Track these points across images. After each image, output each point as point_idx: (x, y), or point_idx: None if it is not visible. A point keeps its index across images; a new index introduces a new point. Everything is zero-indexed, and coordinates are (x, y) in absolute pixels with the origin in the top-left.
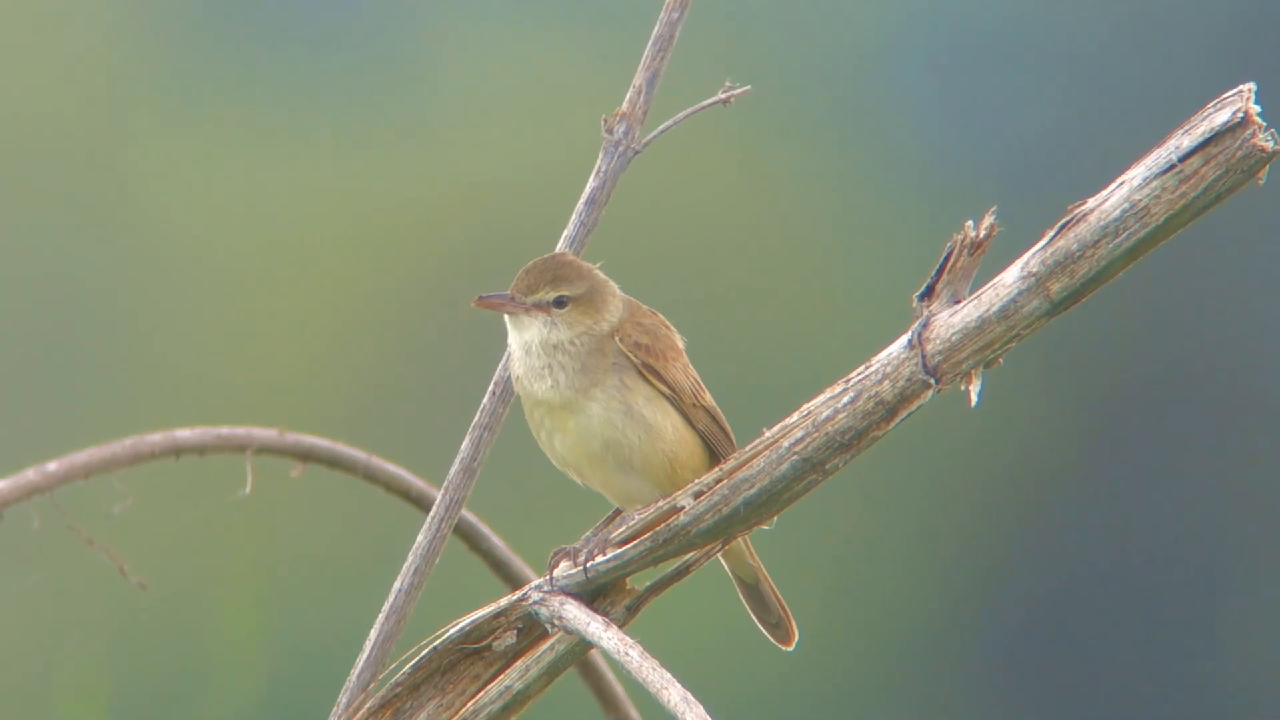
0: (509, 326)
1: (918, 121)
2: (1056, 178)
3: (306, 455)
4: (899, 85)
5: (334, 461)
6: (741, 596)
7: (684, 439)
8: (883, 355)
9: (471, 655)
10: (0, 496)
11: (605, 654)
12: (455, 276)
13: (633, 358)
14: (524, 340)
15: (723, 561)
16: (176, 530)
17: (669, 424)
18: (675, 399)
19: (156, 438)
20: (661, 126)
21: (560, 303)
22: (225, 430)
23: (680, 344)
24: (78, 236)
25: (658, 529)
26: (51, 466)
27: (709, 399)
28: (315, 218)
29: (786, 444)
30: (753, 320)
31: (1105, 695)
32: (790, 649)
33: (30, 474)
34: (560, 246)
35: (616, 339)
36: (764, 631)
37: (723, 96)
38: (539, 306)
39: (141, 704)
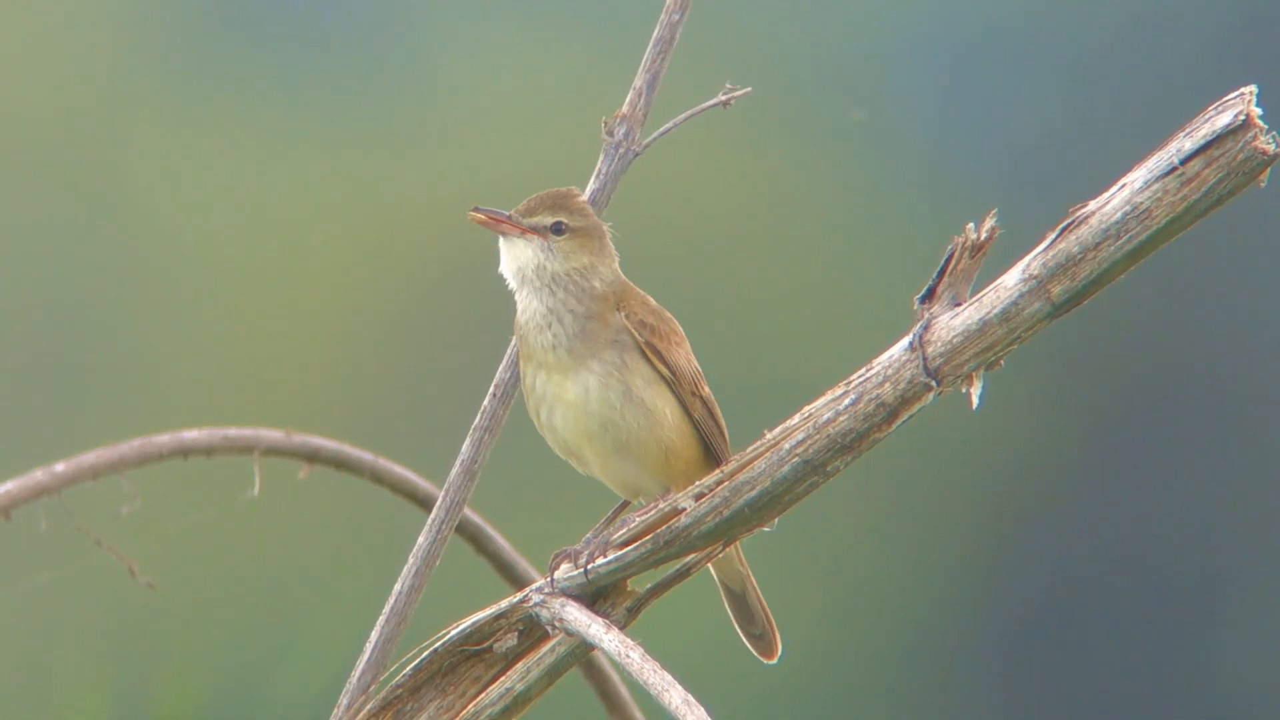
0: (502, 253)
1: (918, 124)
2: (1058, 180)
3: (313, 456)
4: (899, 87)
5: (341, 463)
6: (727, 606)
7: (680, 428)
8: (884, 357)
9: (473, 657)
10: (8, 497)
11: (606, 656)
12: (456, 278)
13: (637, 335)
14: (517, 266)
15: (712, 570)
16: (184, 531)
17: (668, 410)
18: (674, 383)
19: (164, 439)
20: (662, 128)
21: (558, 229)
22: (232, 431)
23: (683, 334)
24: (82, 237)
25: (659, 531)
26: (59, 467)
27: (707, 390)
28: (317, 219)
29: (788, 446)
30: (754, 322)
31: (1105, 697)
32: (772, 662)
33: (38, 475)
34: None
35: (622, 315)
36: (746, 644)
37: (723, 98)
38: (535, 229)
39: (148, 703)
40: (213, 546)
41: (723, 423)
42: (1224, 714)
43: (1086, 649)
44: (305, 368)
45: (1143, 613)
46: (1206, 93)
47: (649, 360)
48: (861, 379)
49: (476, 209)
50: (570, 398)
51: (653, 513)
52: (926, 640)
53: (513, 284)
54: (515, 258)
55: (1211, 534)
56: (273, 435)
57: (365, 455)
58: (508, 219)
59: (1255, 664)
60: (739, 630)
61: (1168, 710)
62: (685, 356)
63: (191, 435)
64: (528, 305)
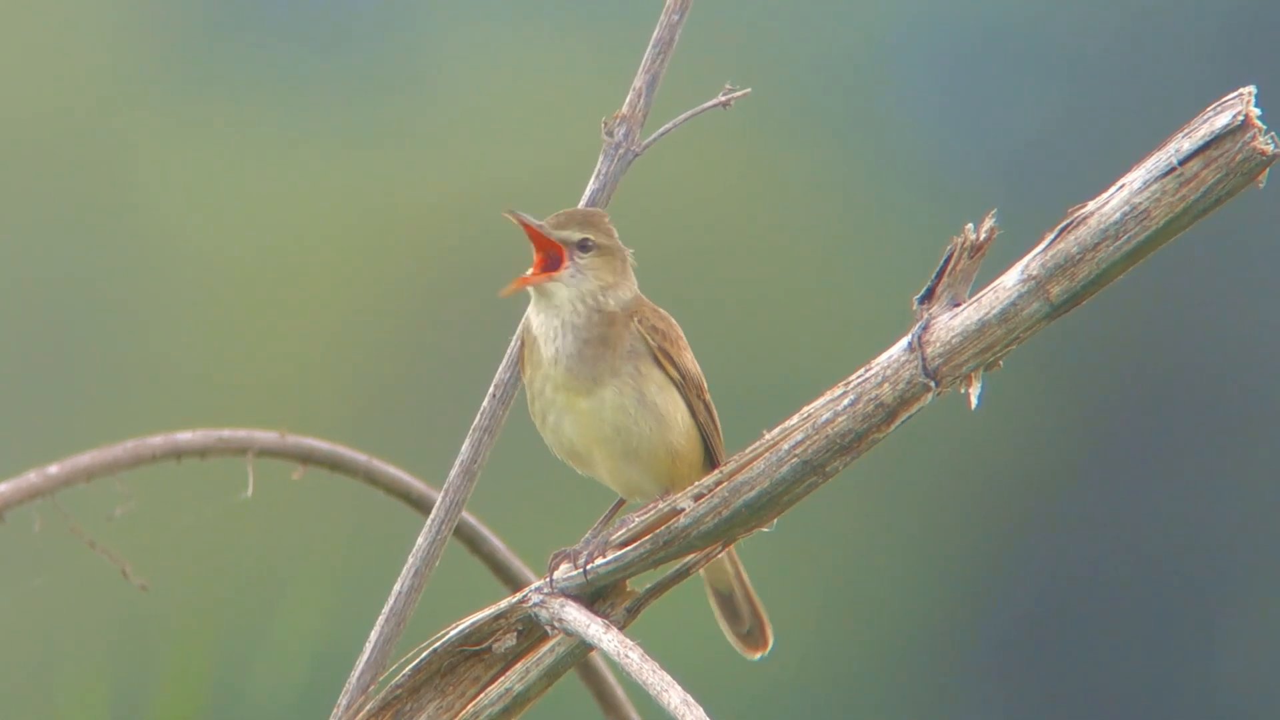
0: (539, 300)
1: (918, 124)
2: (1057, 180)
3: (307, 458)
4: (900, 88)
5: (335, 464)
6: (714, 606)
7: (688, 432)
8: (883, 358)
9: (472, 657)
10: (2, 499)
11: (605, 656)
12: (455, 279)
13: (650, 340)
14: (553, 311)
15: (701, 573)
16: (178, 533)
17: (678, 414)
18: (683, 386)
19: (158, 440)
20: (661, 129)
21: (584, 245)
22: (226, 433)
23: (685, 340)
24: (79, 237)
25: (658, 531)
26: (53, 469)
27: (708, 395)
28: (316, 220)
29: (787, 446)
30: (753, 322)
31: (1104, 697)
32: (763, 654)
33: (32, 476)
34: None
35: (635, 321)
36: (733, 641)
37: (722, 99)
38: (565, 242)
39: (142, 706)
40: (207, 548)
41: (720, 426)
42: (1224, 714)
43: (1086, 649)
44: (303, 368)
45: (1143, 612)
46: (1206, 93)
47: (661, 365)
48: (860, 379)
49: (512, 210)
50: (583, 406)
51: (652, 513)
52: (926, 640)
53: (540, 316)
54: (552, 306)
55: (1211, 534)
56: (267, 437)
57: (359, 456)
58: (540, 228)
59: (1255, 664)
60: (726, 630)
61: (1167, 710)
62: (691, 360)
63: (185, 437)
64: (542, 321)
